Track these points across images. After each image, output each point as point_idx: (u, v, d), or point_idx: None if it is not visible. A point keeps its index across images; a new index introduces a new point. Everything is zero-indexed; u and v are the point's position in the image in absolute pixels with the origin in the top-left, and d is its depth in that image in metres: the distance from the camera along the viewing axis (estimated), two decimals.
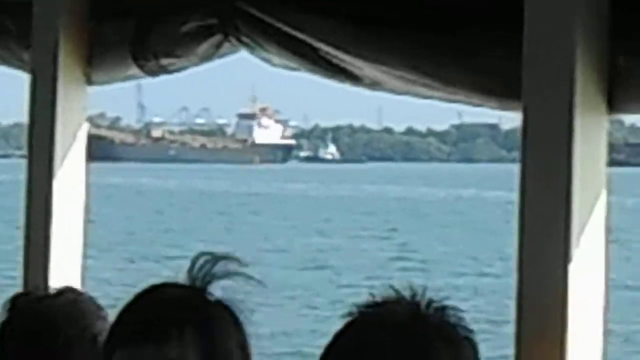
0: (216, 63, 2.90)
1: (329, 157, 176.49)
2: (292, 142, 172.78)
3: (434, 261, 37.10)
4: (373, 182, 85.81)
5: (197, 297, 2.13)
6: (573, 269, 2.15)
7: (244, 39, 2.54)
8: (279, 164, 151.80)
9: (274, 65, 2.68)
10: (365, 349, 1.81)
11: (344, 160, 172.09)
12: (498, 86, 2.29)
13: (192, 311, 2.12)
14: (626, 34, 2.16)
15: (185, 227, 47.44)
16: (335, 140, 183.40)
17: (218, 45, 2.63)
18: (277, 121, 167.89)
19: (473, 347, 1.86)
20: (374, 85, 2.53)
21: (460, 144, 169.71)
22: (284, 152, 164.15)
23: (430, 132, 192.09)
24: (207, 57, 2.72)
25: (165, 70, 2.79)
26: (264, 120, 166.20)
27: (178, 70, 2.82)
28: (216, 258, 2.18)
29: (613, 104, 2.22)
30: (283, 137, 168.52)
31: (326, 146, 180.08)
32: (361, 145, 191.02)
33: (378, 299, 1.90)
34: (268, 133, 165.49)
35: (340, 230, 47.07)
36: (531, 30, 2.17)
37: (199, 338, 2.08)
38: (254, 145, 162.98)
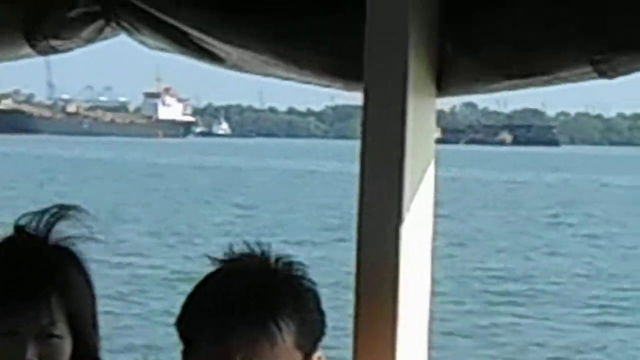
0: (118, 46, 2.78)
1: (222, 132, 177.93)
2: (192, 119, 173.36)
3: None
4: (260, 156, 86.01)
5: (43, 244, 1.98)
6: (405, 229, 2.10)
7: (124, 24, 2.47)
8: (181, 138, 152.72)
9: (150, 47, 2.61)
10: (222, 298, 1.76)
11: (235, 135, 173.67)
12: (343, 69, 2.23)
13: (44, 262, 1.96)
14: (453, 24, 2.12)
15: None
16: (227, 118, 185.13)
17: (100, 30, 2.56)
18: (179, 100, 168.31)
19: (315, 297, 1.84)
20: (238, 67, 2.48)
21: (336, 123, 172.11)
22: (184, 128, 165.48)
23: (310, 112, 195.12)
24: (90, 40, 2.65)
25: (55, 50, 2.71)
26: (168, 99, 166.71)
27: (66, 50, 2.76)
28: (62, 208, 2.03)
29: (441, 86, 2.19)
30: (184, 114, 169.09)
31: (219, 123, 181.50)
32: (250, 123, 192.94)
33: (234, 253, 1.87)
34: (171, 110, 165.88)
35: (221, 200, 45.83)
36: (371, 19, 2.10)
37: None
38: (158, 121, 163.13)
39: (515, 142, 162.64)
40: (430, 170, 2.21)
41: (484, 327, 19.77)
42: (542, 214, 40.56)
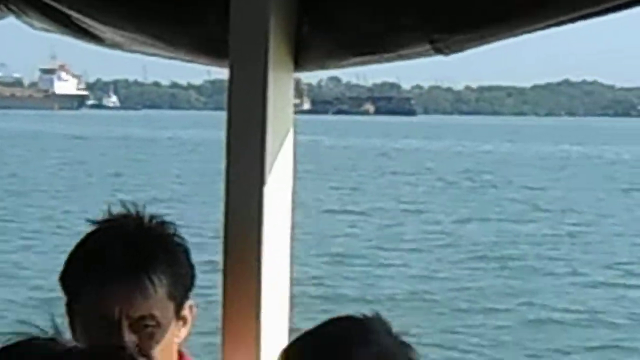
0: (9, 26, 2.84)
1: (112, 105, 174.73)
2: (86, 92, 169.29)
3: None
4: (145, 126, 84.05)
5: None
6: (267, 190, 2.11)
7: (11, 6, 2.38)
8: (75, 110, 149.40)
9: (35, 28, 2.52)
10: (100, 256, 1.77)
11: (123, 107, 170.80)
12: (210, 47, 2.21)
13: None
14: (309, 7, 2.12)
15: None
16: (116, 92, 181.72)
17: None
18: (73, 76, 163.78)
19: (186, 252, 1.85)
20: (117, 46, 2.43)
21: (214, 95, 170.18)
22: (78, 101, 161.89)
23: (190, 86, 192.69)
24: None
25: None
26: (63, 75, 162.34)
27: None
28: None
29: (298, 62, 2.19)
30: (78, 88, 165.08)
31: (109, 96, 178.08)
32: (136, 96, 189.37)
33: (111, 214, 1.87)
34: (66, 85, 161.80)
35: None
36: (235, 1, 2.10)
37: None
38: (55, 95, 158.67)
39: (378, 112, 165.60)
40: (290, 137, 2.21)
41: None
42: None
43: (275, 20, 2.10)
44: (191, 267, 1.86)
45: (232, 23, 2.10)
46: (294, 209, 2.21)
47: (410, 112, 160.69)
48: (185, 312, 1.87)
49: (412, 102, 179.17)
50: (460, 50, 1.97)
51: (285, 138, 2.19)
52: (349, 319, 1.68)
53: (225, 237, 2.10)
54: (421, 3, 1.94)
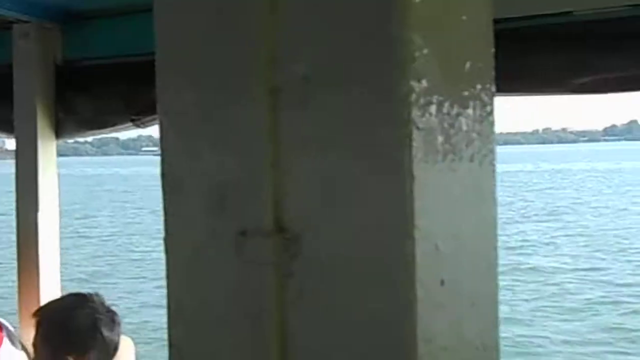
0: None
1: None
2: None
3: None
4: None
5: None
6: (40, 215, 2.91)
7: None
8: None
9: None
10: None
11: None
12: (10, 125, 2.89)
13: None
14: (60, 98, 2.87)
15: None
16: None
17: None
18: None
19: None
20: None
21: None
22: None
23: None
24: None
25: None
26: None
27: None
28: None
29: (59, 134, 2.97)
30: None
31: None
32: None
33: None
34: None
35: None
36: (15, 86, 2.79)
37: None
38: None
39: None
40: (55, 182, 2.99)
41: None
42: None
43: (40, 109, 2.88)
44: None
45: (15, 106, 2.85)
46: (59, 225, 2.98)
47: None
48: None
49: None
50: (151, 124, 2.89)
51: (53, 182, 2.99)
52: (76, 294, 2.41)
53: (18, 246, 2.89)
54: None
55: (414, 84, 0.46)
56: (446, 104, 0.49)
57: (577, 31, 2.39)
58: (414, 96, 0.46)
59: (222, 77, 0.50)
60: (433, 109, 0.47)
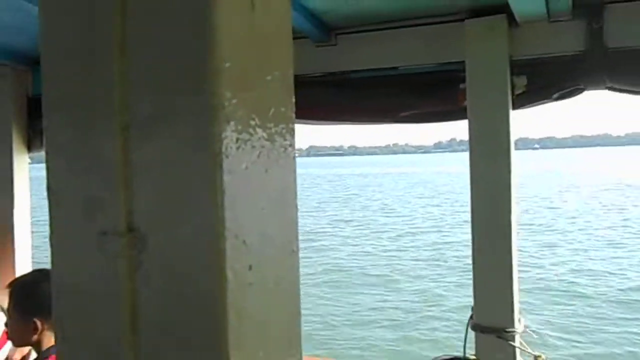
0: None
1: None
2: None
3: None
4: None
5: None
6: (16, 211, 2.84)
7: None
8: None
9: None
10: None
11: None
12: None
13: None
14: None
15: None
16: None
17: None
18: None
19: None
20: None
21: None
22: None
23: None
24: None
25: None
26: None
27: None
28: None
29: (30, 149, 2.89)
30: None
31: None
32: None
33: None
34: None
35: None
36: None
37: None
38: None
39: None
40: (27, 187, 2.86)
41: None
42: None
43: (15, 129, 2.80)
44: None
45: None
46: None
47: None
48: None
49: None
50: None
51: (25, 184, 2.86)
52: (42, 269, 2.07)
53: None
54: None
55: (224, 124, 0.45)
56: (253, 139, 0.48)
57: (401, 80, 2.47)
58: (224, 133, 0.45)
59: (87, 116, 0.48)
60: (241, 143, 0.47)
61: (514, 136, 2.29)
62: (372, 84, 2.50)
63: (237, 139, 0.46)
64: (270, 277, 0.50)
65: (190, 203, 0.46)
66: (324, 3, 2.27)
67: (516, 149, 2.31)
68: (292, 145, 0.53)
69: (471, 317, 2.35)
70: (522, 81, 2.30)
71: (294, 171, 0.53)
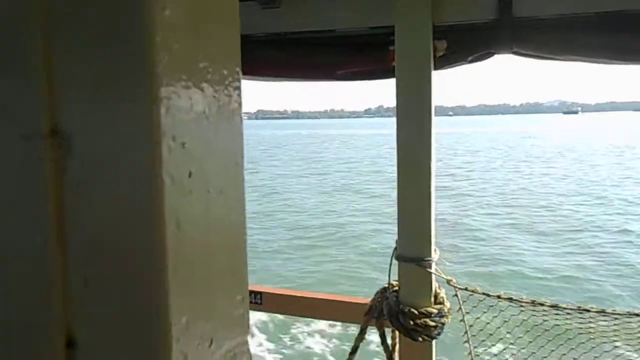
0: None
1: None
2: None
3: None
4: None
5: None
6: None
7: None
8: None
9: None
10: None
11: None
12: None
13: None
14: None
15: None
16: None
17: None
18: None
19: None
20: None
21: None
22: None
23: None
24: None
25: None
26: None
27: None
28: None
29: None
30: None
31: None
32: None
33: None
34: None
35: None
36: None
37: None
38: None
39: None
40: None
41: None
42: None
43: None
44: None
45: None
46: None
47: None
48: None
49: None
50: None
51: None
52: None
53: None
54: None
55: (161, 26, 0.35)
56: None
57: (338, 41, 2.40)
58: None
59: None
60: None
61: (434, 97, 2.27)
62: (312, 44, 2.41)
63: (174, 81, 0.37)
64: (213, 187, 0.42)
65: (121, 104, 0.36)
66: None
67: (435, 115, 2.30)
68: (238, 73, 0.44)
69: (395, 249, 2.37)
70: (442, 45, 2.27)
71: (240, 104, 0.45)
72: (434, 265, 2.31)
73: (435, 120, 2.28)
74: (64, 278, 0.37)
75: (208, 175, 0.42)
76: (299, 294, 2.76)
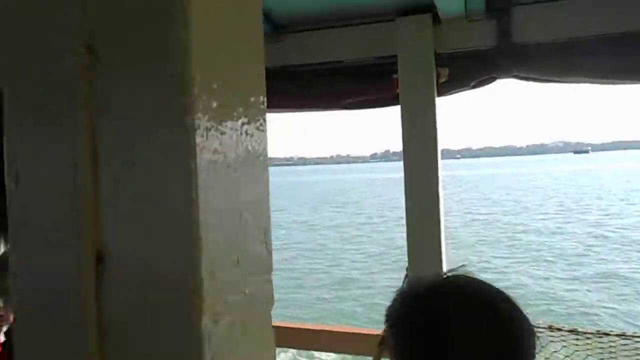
0: None
1: None
2: None
3: None
4: None
5: None
6: None
7: None
8: None
9: None
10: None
11: None
12: None
13: None
14: None
15: None
16: None
17: None
18: None
19: None
20: None
21: None
22: None
23: None
24: None
25: None
26: None
27: None
28: None
29: None
30: None
31: None
32: None
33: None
34: None
35: None
36: None
37: None
38: None
39: None
40: None
41: None
42: None
43: None
44: None
45: None
46: None
47: None
48: None
49: None
50: None
51: None
52: None
53: None
54: None
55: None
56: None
57: (343, 71, 2.46)
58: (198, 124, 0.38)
59: None
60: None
61: (439, 123, 2.30)
62: (318, 76, 2.47)
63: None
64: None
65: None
66: (268, 2, 2.23)
67: (442, 158, 2.34)
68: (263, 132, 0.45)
69: (406, 276, 2.34)
70: (445, 72, 2.32)
71: (265, 149, 0.45)
72: None
73: (442, 154, 2.29)
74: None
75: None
76: (307, 327, 2.68)
